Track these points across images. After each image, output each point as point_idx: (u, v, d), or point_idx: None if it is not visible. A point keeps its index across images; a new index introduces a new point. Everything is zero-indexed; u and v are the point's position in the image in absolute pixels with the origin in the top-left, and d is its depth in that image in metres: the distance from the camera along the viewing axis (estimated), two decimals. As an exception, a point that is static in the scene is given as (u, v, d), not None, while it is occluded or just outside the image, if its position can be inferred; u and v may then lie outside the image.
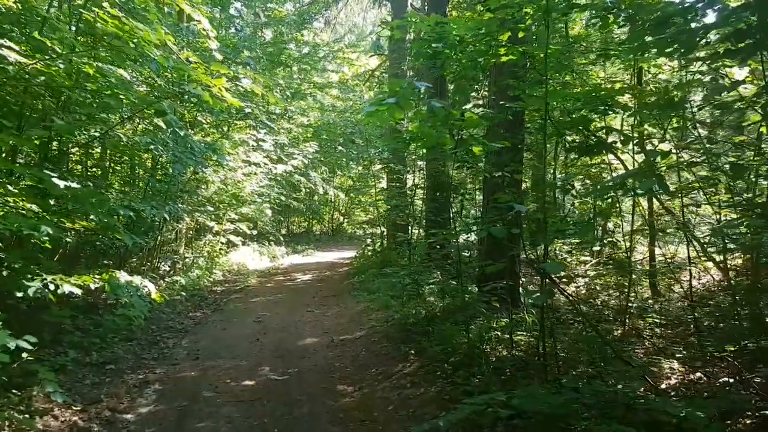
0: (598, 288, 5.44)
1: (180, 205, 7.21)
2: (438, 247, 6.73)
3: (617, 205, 4.76)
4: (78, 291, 3.52)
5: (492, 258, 4.45)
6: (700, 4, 2.36)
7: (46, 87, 3.92)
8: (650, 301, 4.98)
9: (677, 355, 3.39)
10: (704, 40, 2.42)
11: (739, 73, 3.22)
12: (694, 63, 3.49)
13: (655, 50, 2.64)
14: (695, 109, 3.41)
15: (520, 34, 3.75)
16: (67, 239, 4.47)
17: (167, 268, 7.78)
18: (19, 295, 3.27)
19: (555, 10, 3.30)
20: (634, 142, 3.34)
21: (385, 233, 10.85)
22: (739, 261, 4.36)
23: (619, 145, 3.44)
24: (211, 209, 8.83)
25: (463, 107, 5.10)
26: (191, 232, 9.20)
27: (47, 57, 3.56)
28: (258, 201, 10.56)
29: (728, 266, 3.50)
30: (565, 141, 4.18)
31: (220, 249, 9.85)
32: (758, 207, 2.94)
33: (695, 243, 3.74)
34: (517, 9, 3.41)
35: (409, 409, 3.31)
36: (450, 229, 5.61)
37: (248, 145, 9.48)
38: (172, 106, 5.47)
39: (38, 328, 3.82)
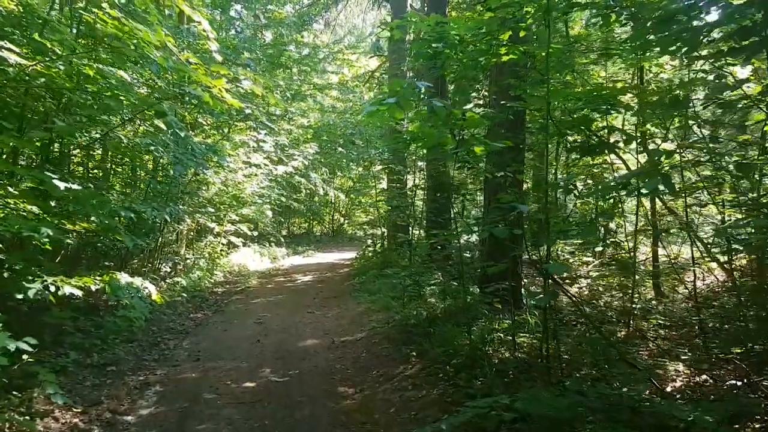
0: (600, 289, 5.40)
1: (181, 207, 7.20)
2: (439, 247, 6.71)
3: (619, 206, 4.73)
4: (79, 292, 3.51)
5: (494, 259, 4.42)
6: (703, 2, 2.33)
7: (46, 89, 3.91)
8: (654, 302, 4.94)
9: (682, 357, 3.36)
10: (708, 39, 2.39)
11: (741, 71, 3.19)
12: (697, 62, 3.47)
13: (659, 48, 2.62)
14: (699, 108, 3.38)
15: (521, 33, 3.73)
16: (68, 241, 4.47)
17: (168, 270, 7.78)
18: (20, 296, 3.26)
19: (556, 9, 3.28)
20: (637, 141, 3.31)
21: (385, 234, 10.83)
22: (743, 261, 4.34)
23: (621, 144, 3.42)
24: (212, 210, 8.83)
25: (464, 107, 5.07)
26: (192, 233, 9.20)
27: (47, 59, 3.55)
28: (258, 202, 10.56)
29: (733, 267, 3.47)
30: (567, 141, 4.15)
31: (220, 250, 9.85)
32: (764, 207, 2.91)
33: (699, 243, 3.71)
34: (517, 8, 3.39)
35: (410, 411, 3.29)
36: (451, 230, 5.59)
37: (249, 147, 9.49)
38: (172, 107, 5.47)
39: (39, 329, 3.81)
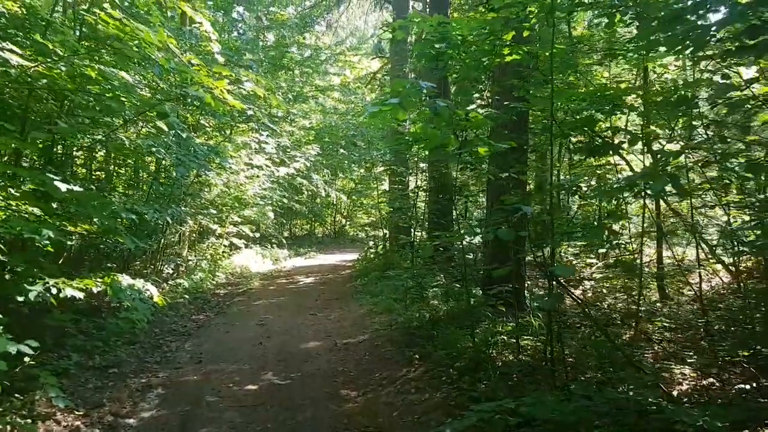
0: (604, 291, 5.36)
1: (183, 208, 7.20)
2: (441, 249, 6.68)
3: (624, 207, 4.69)
4: (80, 295, 3.50)
5: (497, 261, 4.39)
6: (711, 0, 2.30)
7: (49, 90, 3.91)
8: (659, 304, 4.90)
9: (688, 360, 3.32)
10: (715, 38, 2.36)
11: (746, 72, 3.16)
12: (702, 62, 3.44)
13: (665, 48, 2.59)
14: (707, 108, 3.35)
15: (525, 33, 3.71)
16: (70, 242, 4.46)
17: (170, 271, 7.77)
18: (21, 299, 3.25)
19: (560, 8, 3.26)
20: (643, 142, 3.28)
21: (387, 236, 10.82)
22: (749, 263, 4.29)
23: (625, 145, 3.39)
24: (214, 212, 8.83)
25: (466, 108, 5.06)
26: (194, 234, 9.20)
27: (49, 60, 3.55)
28: (260, 204, 10.56)
29: (739, 269, 3.43)
30: (570, 142, 4.13)
31: (222, 252, 9.84)
32: (771, 208, 2.88)
33: (704, 245, 3.67)
34: (521, 8, 3.37)
35: (414, 415, 3.26)
36: (453, 232, 5.57)
37: (251, 148, 9.49)
38: (174, 109, 5.46)
39: (40, 332, 3.79)
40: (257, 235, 11.72)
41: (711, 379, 3.00)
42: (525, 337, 3.96)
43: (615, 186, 3.27)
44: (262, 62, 11.45)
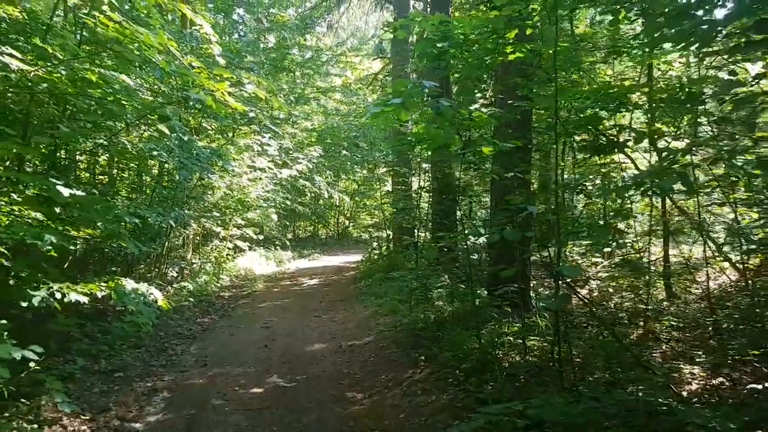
0: (611, 290, 5.32)
1: (186, 211, 7.21)
2: (446, 250, 6.65)
3: (629, 205, 4.65)
4: (84, 299, 3.50)
5: (502, 261, 4.36)
6: (717, -4, 2.27)
7: (50, 94, 3.91)
8: (666, 303, 4.85)
9: (697, 360, 3.28)
10: (723, 33, 2.33)
11: (752, 68, 3.12)
12: (707, 57, 3.39)
13: (671, 44, 2.56)
14: (714, 104, 3.31)
15: (528, 31, 3.68)
16: (74, 247, 4.46)
17: (175, 274, 7.78)
18: (24, 304, 3.25)
19: (563, 6, 3.23)
20: (649, 140, 3.24)
21: (391, 237, 10.79)
22: (756, 261, 4.24)
23: (630, 143, 3.35)
24: (218, 215, 8.83)
25: (470, 108, 5.03)
26: (198, 237, 9.21)
27: (49, 64, 3.55)
28: (264, 206, 10.57)
29: (746, 266, 3.38)
30: (574, 140, 4.09)
31: (227, 254, 9.85)
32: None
33: (711, 243, 3.63)
34: (523, 6, 3.34)
35: (420, 417, 3.23)
36: (457, 232, 5.53)
37: (253, 150, 9.50)
38: (176, 112, 5.46)
39: (44, 337, 3.80)
40: (261, 237, 11.72)
41: (721, 379, 2.96)
42: (531, 338, 3.93)
43: (622, 184, 3.24)
44: (263, 64, 11.46)
